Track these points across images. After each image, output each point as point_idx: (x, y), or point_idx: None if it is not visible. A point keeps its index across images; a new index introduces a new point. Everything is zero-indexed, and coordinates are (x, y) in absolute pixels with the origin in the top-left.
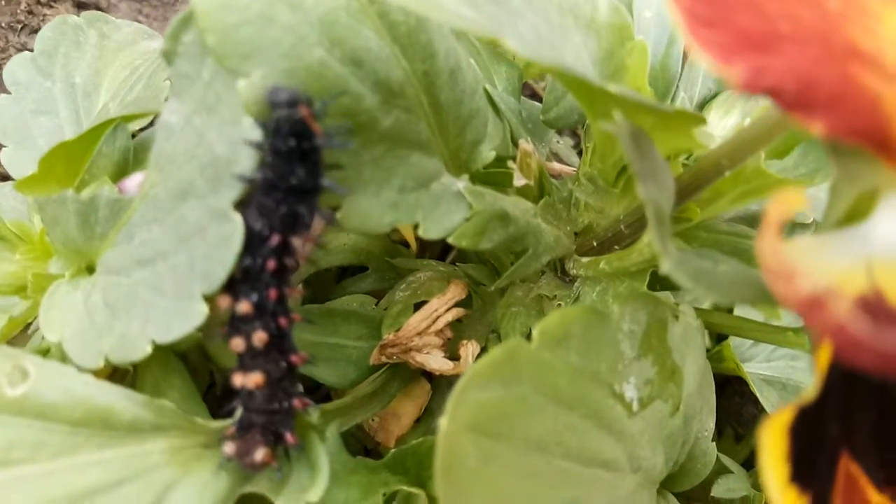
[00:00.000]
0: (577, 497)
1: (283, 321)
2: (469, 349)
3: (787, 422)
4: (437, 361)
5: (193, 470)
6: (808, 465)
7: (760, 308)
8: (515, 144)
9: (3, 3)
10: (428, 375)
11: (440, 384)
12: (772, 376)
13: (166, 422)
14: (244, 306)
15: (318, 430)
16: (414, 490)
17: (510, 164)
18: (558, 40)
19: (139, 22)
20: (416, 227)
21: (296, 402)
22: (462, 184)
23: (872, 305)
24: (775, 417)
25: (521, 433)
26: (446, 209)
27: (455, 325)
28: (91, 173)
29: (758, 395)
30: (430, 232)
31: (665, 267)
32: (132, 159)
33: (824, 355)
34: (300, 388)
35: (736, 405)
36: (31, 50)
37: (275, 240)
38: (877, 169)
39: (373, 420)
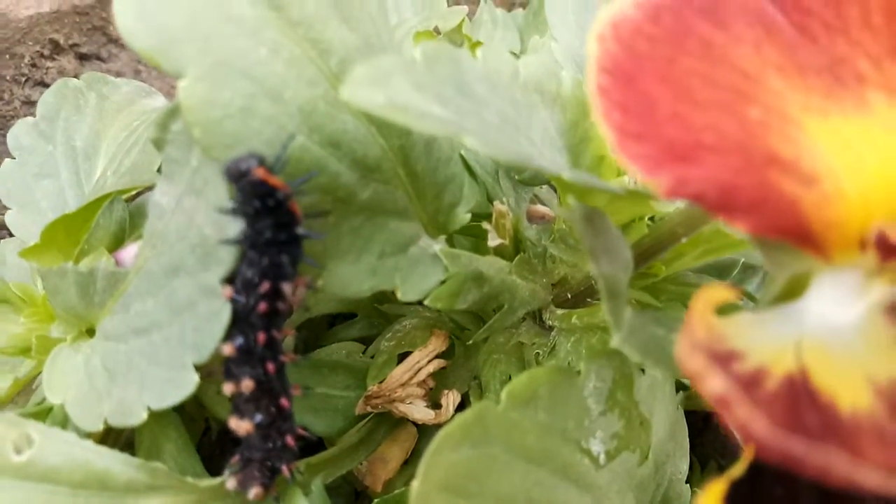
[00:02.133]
0: None
1: (270, 366)
2: (450, 398)
3: (721, 492)
4: (419, 412)
5: None
6: None
7: None
8: (491, 202)
9: (6, 56)
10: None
11: (427, 428)
12: None
13: (160, 482)
14: (228, 349)
15: (303, 484)
16: None
17: (485, 224)
18: (524, 119)
19: (139, 71)
20: (393, 290)
21: (289, 440)
22: (438, 246)
23: (798, 386)
24: (709, 487)
25: (491, 491)
26: (423, 272)
27: (438, 372)
28: (90, 243)
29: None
30: (408, 295)
31: (615, 341)
32: (128, 226)
33: None
34: (293, 426)
35: (721, 438)
36: (35, 102)
37: (264, 286)
38: (803, 257)
39: (361, 465)
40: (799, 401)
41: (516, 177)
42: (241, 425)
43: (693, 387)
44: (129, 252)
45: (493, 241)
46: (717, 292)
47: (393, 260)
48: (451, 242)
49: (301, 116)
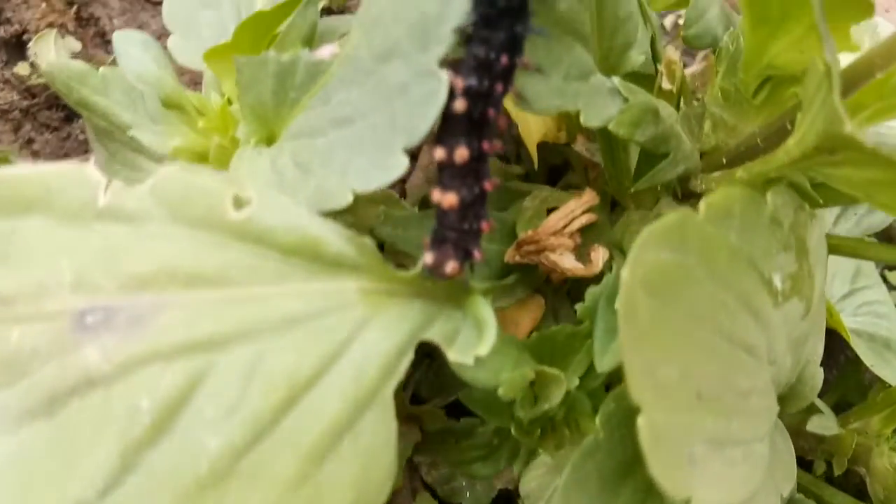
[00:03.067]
0: (725, 373)
1: (485, 145)
2: (599, 253)
3: None
4: (569, 261)
5: (382, 312)
6: None
7: None
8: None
9: None
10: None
11: (555, 297)
12: (859, 329)
13: (364, 261)
14: (460, 104)
15: (481, 291)
16: (554, 371)
17: (659, 66)
18: None
19: None
20: (576, 115)
21: (484, 225)
22: (616, 79)
23: None
24: None
25: (684, 301)
26: (603, 101)
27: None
28: (283, 43)
29: (851, 343)
30: (591, 120)
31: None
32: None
33: None
34: (487, 212)
35: (826, 351)
36: None
37: (503, 60)
38: None
39: None
40: None
41: (682, 34)
42: (445, 198)
43: None
44: (325, 52)
45: (666, 84)
46: None
47: (576, 85)
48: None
49: None
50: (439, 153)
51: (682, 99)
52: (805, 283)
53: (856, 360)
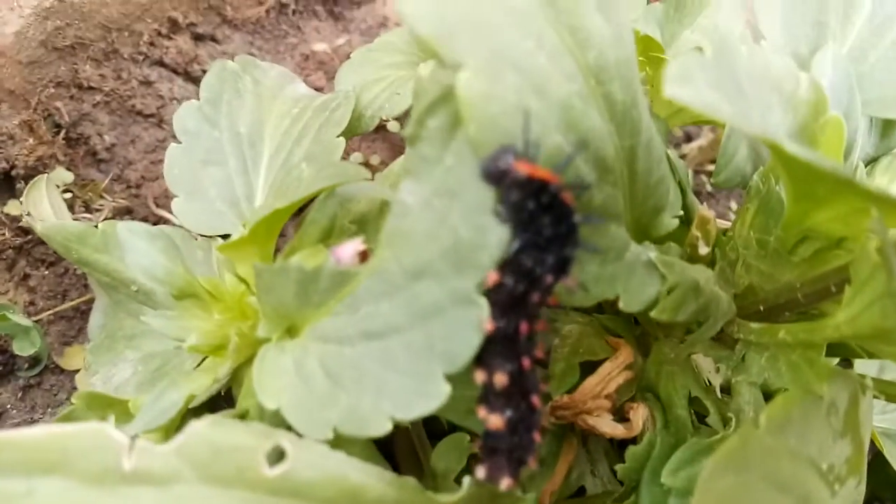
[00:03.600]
0: None
1: (525, 362)
2: (639, 413)
3: None
4: (608, 425)
5: None
6: None
7: None
8: (685, 209)
9: (126, 33)
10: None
11: (588, 438)
12: (888, 429)
13: (406, 497)
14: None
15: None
16: None
17: (693, 231)
18: (767, 115)
19: (252, 55)
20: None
21: (536, 436)
22: (652, 253)
23: None
24: None
25: None
26: (640, 281)
27: None
28: (301, 240)
29: (881, 447)
30: (631, 305)
31: None
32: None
33: None
34: (540, 420)
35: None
36: (152, 83)
37: (547, 279)
38: None
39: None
40: None
41: (712, 180)
42: (491, 419)
43: None
44: (347, 250)
45: (703, 248)
46: None
47: (613, 266)
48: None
49: (560, 113)
50: (479, 376)
51: (716, 251)
52: (860, 459)
53: (882, 455)
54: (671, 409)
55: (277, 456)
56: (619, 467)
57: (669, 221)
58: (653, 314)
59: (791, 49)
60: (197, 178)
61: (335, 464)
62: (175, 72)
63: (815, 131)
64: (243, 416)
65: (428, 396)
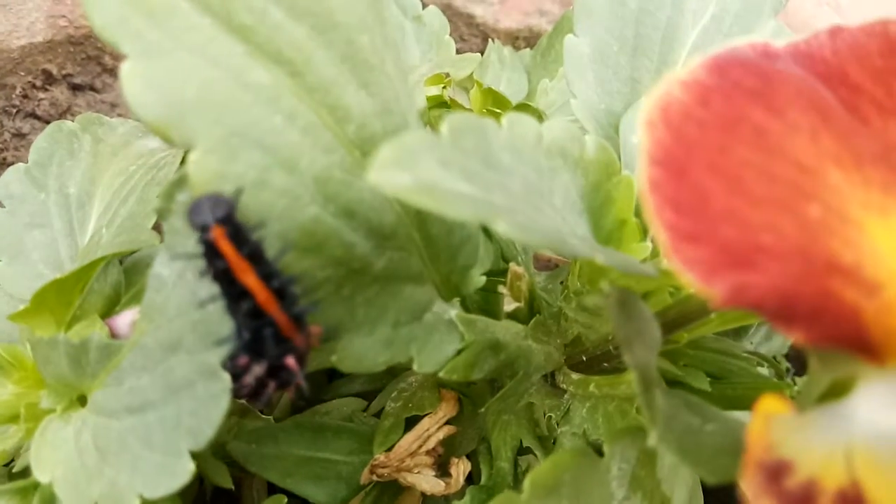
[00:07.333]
0: None
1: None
2: (460, 468)
3: None
4: (428, 482)
5: None
6: None
7: None
8: (506, 261)
9: None
10: None
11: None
12: None
13: None
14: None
15: None
16: None
17: (500, 288)
18: (546, 184)
19: None
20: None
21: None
22: (454, 311)
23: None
24: None
25: None
26: (439, 340)
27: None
28: (83, 308)
29: None
30: (424, 366)
31: (651, 440)
32: (123, 287)
33: None
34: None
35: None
36: (25, 135)
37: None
38: (852, 361)
39: None
40: None
41: None
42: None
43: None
44: (124, 319)
45: (510, 305)
46: (772, 404)
47: (408, 329)
48: (464, 303)
49: (316, 186)
50: None
51: (534, 305)
52: None
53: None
54: (496, 462)
55: None
56: None
57: (478, 279)
58: (442, 374)
59: (605, 106)
60: (20, 241)
61: None
62: (48, 123)
63: (610, 189)
64: (35, 488)
65: (174, 475)
